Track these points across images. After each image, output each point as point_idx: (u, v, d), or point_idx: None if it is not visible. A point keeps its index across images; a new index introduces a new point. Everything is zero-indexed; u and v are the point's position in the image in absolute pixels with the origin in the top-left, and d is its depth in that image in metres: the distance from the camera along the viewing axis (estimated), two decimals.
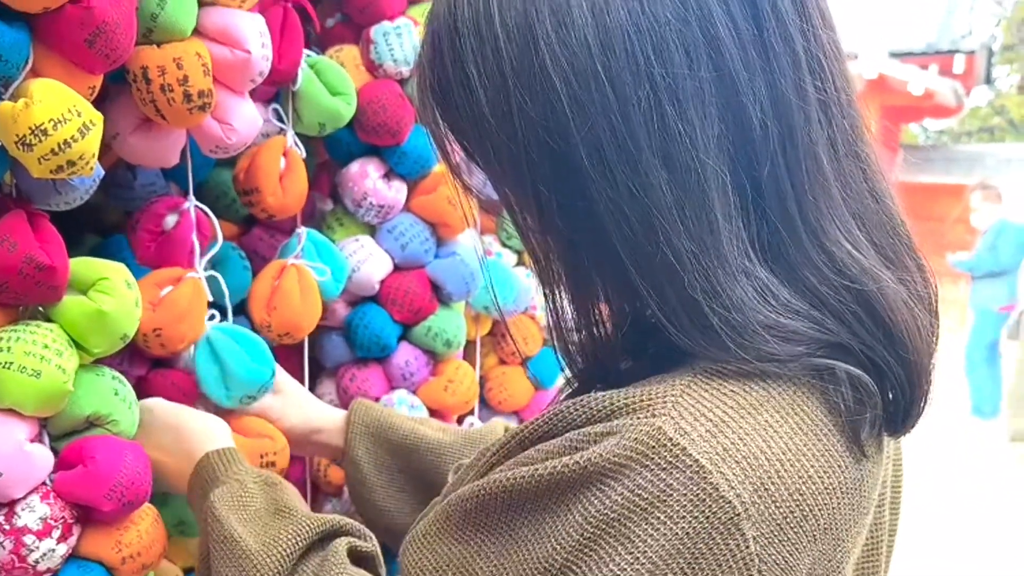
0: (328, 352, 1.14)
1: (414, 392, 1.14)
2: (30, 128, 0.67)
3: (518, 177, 0.53)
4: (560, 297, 0.59)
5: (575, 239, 0.54)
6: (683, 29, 0.48)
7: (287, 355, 1.12)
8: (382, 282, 1.10)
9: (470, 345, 1.24)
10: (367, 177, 1.07)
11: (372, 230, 1.11)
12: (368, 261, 1.08)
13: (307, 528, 0.70)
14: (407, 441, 0.96)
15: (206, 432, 0.83)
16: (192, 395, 0.99)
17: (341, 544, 0.70)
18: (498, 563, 0.53)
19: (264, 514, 0.74)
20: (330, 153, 1.12)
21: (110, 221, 1.09)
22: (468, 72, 0.52)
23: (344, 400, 1.13)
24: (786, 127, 0.51)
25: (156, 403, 0.87)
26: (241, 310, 1.02)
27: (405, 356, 1.13)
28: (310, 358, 1.10)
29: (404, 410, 1.11)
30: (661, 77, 0.48)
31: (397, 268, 1.11)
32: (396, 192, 1.09)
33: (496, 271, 1.20)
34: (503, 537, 0.54)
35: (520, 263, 1.28)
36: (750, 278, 0.51)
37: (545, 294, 0.59)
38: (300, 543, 0.69)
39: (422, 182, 1.12)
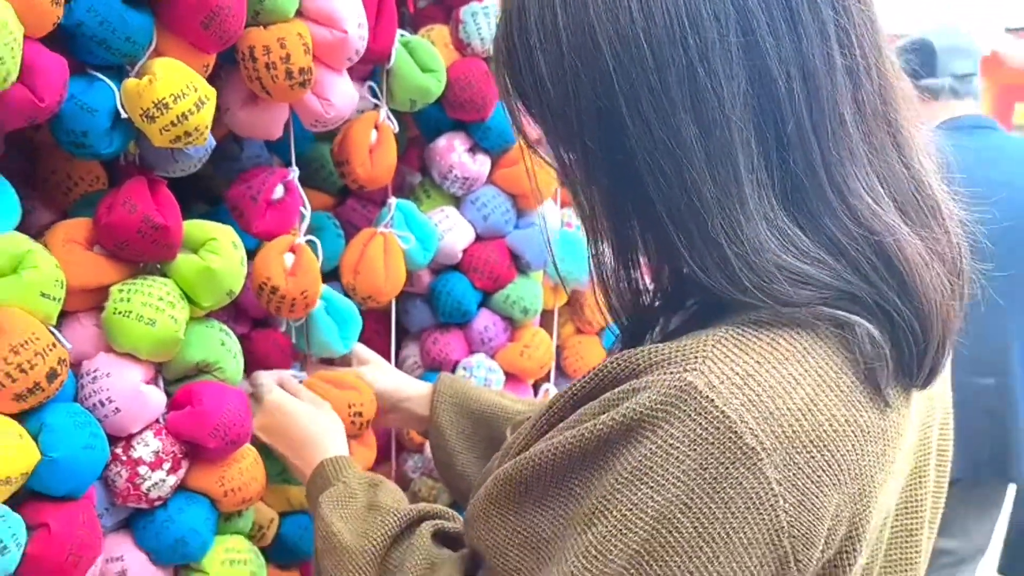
0: (413, 317, 1.21)
1: (492, 356, 1.20)
2: (153, 102, 0.75)
3: (569, 134, 0.59)
4: (605, 250, 0.64)
5: (617, 190, 0.59)
6: (715, 1, 0.54)
7: (376, 319, 1.20)
8: (464, 251, 1.16)
9: (548, 314, 1.29)
10: (453, 151, 1.13)
11: (457, 201, 1.17)
12: (452, 231, 1.14)
13: (394, 520, 0.77)
14: (487, 410, 1.02)
15: (326, 441, 0.92)
16: (289, 354, 1.07)
17: (426, 528, 0.76)
18: (556, 522, 0.59)
19: (361, 510, 0.82)
20: (420, 128, 1.18)
21: (217, 190, 1.17)
22: (531, 43, 0.59)
23: (426, 362, 1.20)
24: (812, 88, 0.55)
25: (292, 407, 0.95)
26: (333, 277, 1.10)
27: (484, 322, 1.19)
28: (396, 322, 1.17)
29: (483, 372, 1.17)
30: (694, 41, 0.54)
31: (479, 238, 1.17)
32: (480, 165, 1.14)
33: (571, 243, 1.24)
34: (559, 498, 0.59)
35: None
36: (771, 224, 0.55)
37: (589, 244, 0.64)
38: (388, 534, 0.76)
39: (505, 156, 1.17)
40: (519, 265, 1.19)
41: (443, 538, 0.77)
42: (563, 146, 0.62)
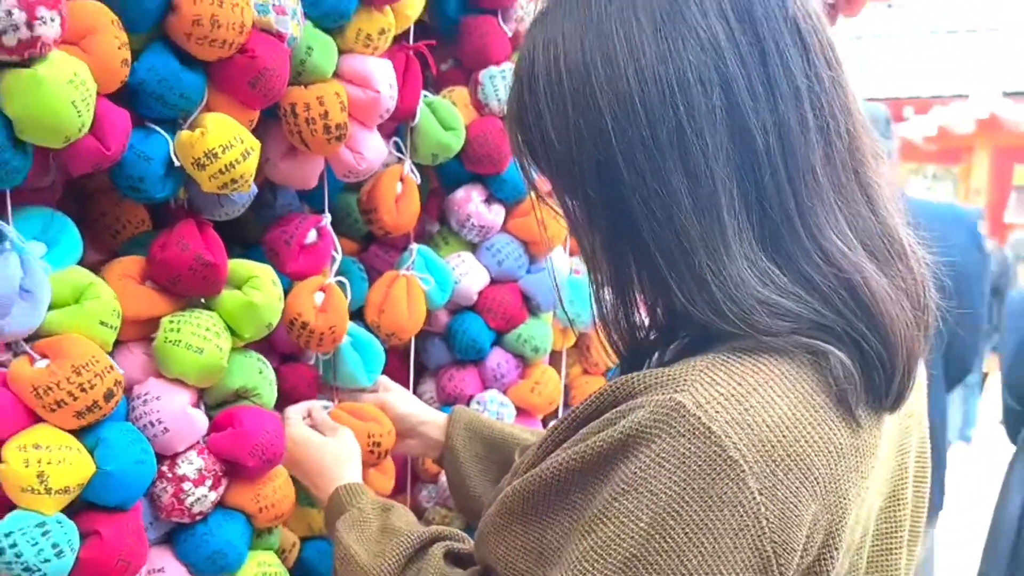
0: (431, 354, 1.28)
1: (504, 392, 1.27)
2: (204, 152, 0.83)
3: (572, 184, 0.67)
4: (605, 289, 0.71)
5: (615, 233, 0.67)
6: (701, 68, 0.61)
7: (396, 356, 1.27)
8: (480, 293, 1.24)
9: (556, 355, 1.36)
10: (471, 201, 1.21)
11: (473, 247, 1.25)
12: (468, 275, 1.22)
13: (407, 541, 0.83)
14: (499, 436, 1.09)
15: (339, 470, 0.99)
16: (314, 385, 1.14)
17: (438, 549, 0.82)
18: (561, 532, 0.65)
19: (376, 533, 0.87)
20: (440, 180, 1.26)
21: (251, 236, 1.26)
22: (540, 105, 0.66)
23: (442, 396, 1.27)
24: (787, 144, 0.63)
25: (308, 440, 1.02)
26: (357, 316, 1.17)
27: (497, 359, 1.26)
28: (415, 359, 1.25)
29: (495, 407, 1.23)
30: (683, 103, 0.61)
31: (493, 281, 1.25)
32: (495, 215, 1.23)
33: (579, 288, 1.32)
34: (563, 510, 0.65)
35: None
36: (751, 263, 0.62)
37: (591, 284, 0.72)
38: (403, 554, 0.82)
39: (518, 206, 1.25)
40: (531, 307, 1.27)
41: (454, 558, 0.82)
42: (567, 195, 0.69)
